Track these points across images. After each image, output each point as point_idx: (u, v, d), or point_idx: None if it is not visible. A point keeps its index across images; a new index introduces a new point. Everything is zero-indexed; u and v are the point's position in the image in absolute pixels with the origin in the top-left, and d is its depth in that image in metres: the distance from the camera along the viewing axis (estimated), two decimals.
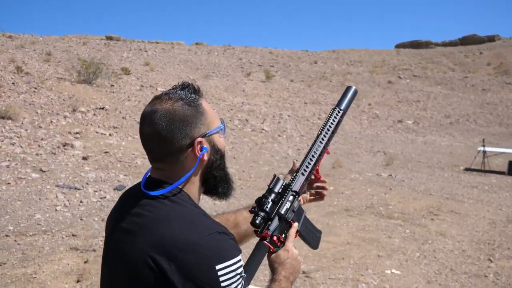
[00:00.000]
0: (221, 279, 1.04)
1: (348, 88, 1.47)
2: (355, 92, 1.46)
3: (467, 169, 13.36)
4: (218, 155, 1.26)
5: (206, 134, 1.21)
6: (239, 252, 1.11)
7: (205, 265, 1.04)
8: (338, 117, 1.41)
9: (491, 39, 66.56)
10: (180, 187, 1.20)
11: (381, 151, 16.58)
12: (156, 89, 20.46)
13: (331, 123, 1.40)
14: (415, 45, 66.48)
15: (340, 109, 1.42)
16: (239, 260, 1.09)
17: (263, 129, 17.52)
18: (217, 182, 1.28)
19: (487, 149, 13.72)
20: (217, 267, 1.04)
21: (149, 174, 1.25)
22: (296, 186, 1.35)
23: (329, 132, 1.39)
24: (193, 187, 1.23)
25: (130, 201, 1.21)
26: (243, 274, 1.10)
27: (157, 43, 45.08)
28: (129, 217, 1.17)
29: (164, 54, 34.59)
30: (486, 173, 12.73)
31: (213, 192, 1.30)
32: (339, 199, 8.56)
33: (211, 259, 1.04)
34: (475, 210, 8.13)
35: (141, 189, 1.20)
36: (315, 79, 36.24)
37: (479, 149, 13.87)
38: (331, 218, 7.15)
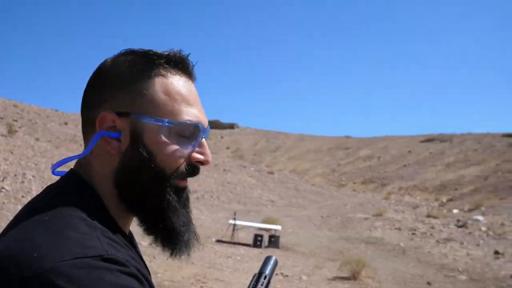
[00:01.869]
0: None
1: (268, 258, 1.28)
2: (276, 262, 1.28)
3: (218, 241, 14.10)
4: (149, 164, 0.75)
5: (129, 113, 0.76)
6: None
7: None
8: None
9: (231, 126, 75.47)
10: (95, 184, 0.77)
11: None
12: None
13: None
14: None
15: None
16: None
17: (3, 188, 15.24)
18: (140, 209, 0.79)
19: (237, 222, 14.87)
20: None
21: None
22: None
23: None
24: (105, 189, 0.77)
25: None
26: None
27: None
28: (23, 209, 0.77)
29: None
30: (235, 245, 13.66)
31: (140, 221, 0.80)
32: None
33: None
34: (235, 278, 8.52)
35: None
36: (64, 140, 34.06)
37: (230, 221, 14.91)
38: None
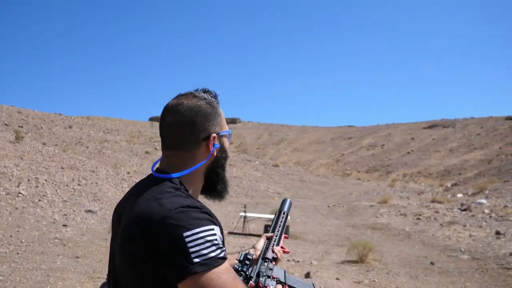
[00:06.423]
0: (189, 245, 1.11)
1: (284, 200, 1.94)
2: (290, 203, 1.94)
3: (230, 233, 14.63)
4: (224, 154, 1.45)
5: (219, 132, 1.42)
6: (210, 223, 1.18)
7: (173, 235, 1.12)
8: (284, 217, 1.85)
9: (233, 121, 75.79)
10: (179, 179, 1.33)
11: None
12: None
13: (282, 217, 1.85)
14: None
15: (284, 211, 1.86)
16: (211, 229, 1.16)
17: (20, 193, 15.76)
18: (218, 179, 1.44)
19: (248, 214, 15.39)
20: (184, 234, 1.11)
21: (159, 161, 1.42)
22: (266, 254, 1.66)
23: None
24: (196, 179, 1.39)
25: (141, 184, 1.38)
26: (216, 242, 1.15)
27: None
28: (135, 195, 1.31)
29: None
30: (247, 236, 14.19)
31: (211, 190, 1.46)
32: None
33: (178, 229, 1.12)
34: None
35: (151, 174, 1.38)
36: (70, 144, 34.53)
37: (241, 214, 15.44)
38: None
